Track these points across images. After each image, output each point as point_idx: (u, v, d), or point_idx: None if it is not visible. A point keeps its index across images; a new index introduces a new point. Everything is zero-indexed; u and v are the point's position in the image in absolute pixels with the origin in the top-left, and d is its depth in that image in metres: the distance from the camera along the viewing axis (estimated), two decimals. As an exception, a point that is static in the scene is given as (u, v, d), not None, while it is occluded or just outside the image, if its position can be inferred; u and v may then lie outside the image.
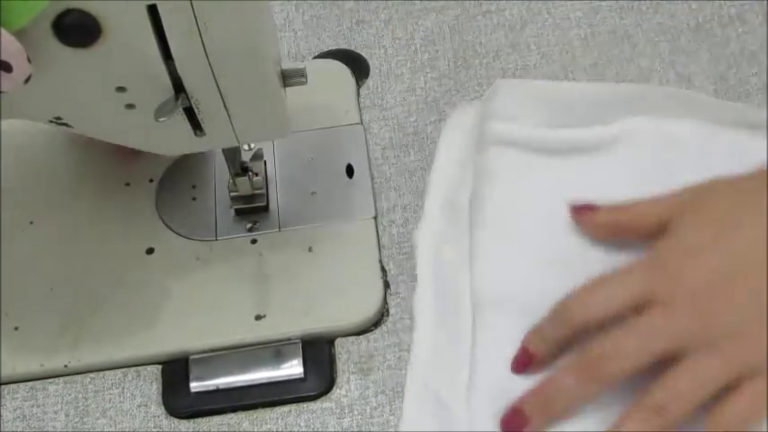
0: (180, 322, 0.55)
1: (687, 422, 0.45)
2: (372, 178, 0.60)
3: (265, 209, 0.59)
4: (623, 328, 0.46)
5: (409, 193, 0.60)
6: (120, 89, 0.42)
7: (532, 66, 0.65)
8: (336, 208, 0.59)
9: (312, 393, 0.53)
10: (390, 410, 0.53)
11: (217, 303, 0.56)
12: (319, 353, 0.54)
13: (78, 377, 0.55)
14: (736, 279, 0.46)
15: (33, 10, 0.37)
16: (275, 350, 0.54)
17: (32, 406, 0.54)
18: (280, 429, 0.53)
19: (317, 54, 0.67)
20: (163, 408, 0.54)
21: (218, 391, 0.53)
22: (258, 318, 0.55)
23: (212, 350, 0.54)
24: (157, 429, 0.53)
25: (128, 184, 0.60)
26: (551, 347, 0.50)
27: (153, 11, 0.39)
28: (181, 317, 0.55)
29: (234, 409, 0.53)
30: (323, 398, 0.53)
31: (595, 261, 0.52)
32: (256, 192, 0.58)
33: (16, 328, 0.56)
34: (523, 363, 0.50)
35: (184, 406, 0.53)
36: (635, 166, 0.56)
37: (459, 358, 0.52)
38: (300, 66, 0.51)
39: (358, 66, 0.66)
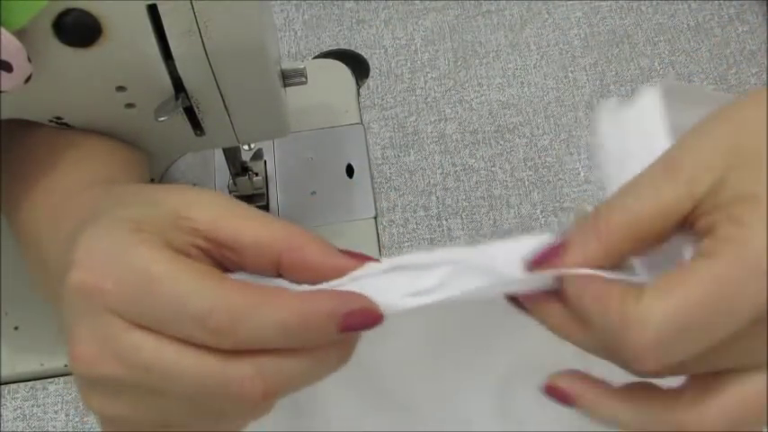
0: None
1: None
2: (372, 178, 0.60)
3: (265, 208, 0.59)
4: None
5: (409, 193, 0.60)
6: (120, 89, 0.42)
7: (532, 66, 0.65)
8: (336, 208, 0.59)
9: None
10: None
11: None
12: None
13: (78, 377, 0.55)
14: None
15: (33, 9, 0.37)
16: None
17: (32, 406, 0.54)
18: (280, 429, 0.53)
19: (317, 54, 0.67)
20: (163, 407, 0.54)
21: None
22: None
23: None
24: (157, 429, 0.53)
25: (128, 184, 0.60)
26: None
27: (153, 11, 0.39)
28: (181, 317, 0.55)
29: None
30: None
31: None
32: (256, 191, 0.58)
33: (16, 328, 0.55)
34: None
35: (184, 406, 0.53)
36: None
37: None
38: (300, 66, 0.51)
39: (358, 66, 0.66)
